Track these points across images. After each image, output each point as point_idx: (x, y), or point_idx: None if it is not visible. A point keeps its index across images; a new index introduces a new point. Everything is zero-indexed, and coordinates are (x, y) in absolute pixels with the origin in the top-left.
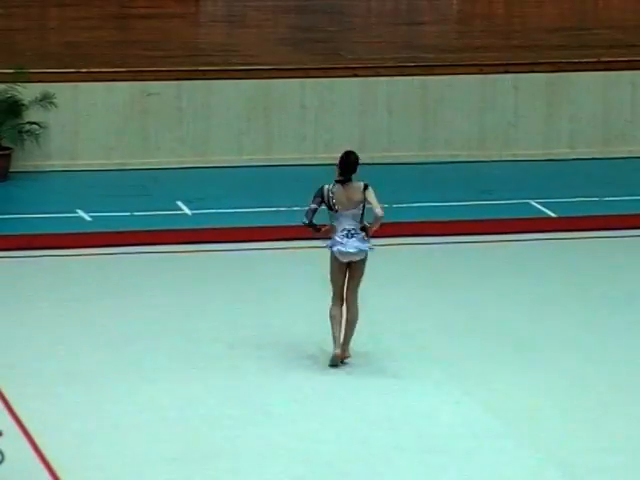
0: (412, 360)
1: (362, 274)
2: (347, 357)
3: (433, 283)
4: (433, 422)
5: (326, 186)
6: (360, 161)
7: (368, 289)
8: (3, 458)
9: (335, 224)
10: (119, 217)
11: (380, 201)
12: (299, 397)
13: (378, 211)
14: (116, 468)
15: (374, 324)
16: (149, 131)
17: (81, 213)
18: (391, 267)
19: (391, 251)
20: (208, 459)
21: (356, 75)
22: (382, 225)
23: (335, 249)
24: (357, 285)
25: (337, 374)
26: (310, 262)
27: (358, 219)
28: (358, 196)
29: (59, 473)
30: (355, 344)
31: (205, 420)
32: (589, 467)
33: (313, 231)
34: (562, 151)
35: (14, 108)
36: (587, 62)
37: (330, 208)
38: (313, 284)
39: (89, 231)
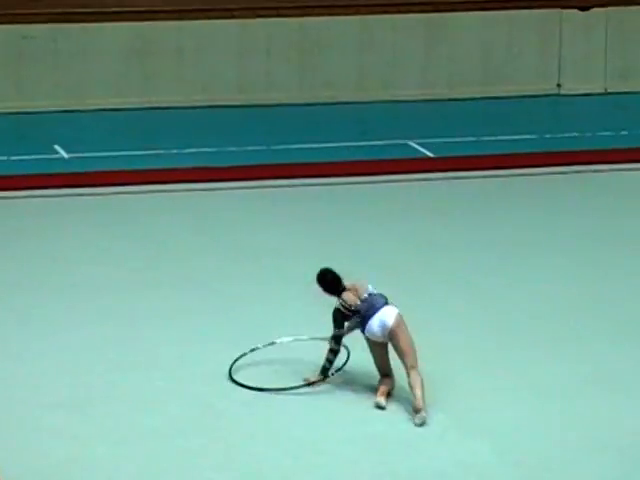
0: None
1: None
2: None
3: (314, 225)
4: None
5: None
6: (239, 103)
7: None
8: None
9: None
10: None
11: (259, 144)
12: (181, 340)
13: None
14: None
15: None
16: (24, 75)
17: None
18: (271, 208)
19: (268, 194)
20: (90, 405)
21: (234, 16)
22: None
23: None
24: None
25: (221, 314)
26: (191, 205)
27: None
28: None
29: None
30: None
31: (87, 365)
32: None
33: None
34: (440, 91)
35: None
36: (464, 2)
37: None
38: (184, 227)
39: None
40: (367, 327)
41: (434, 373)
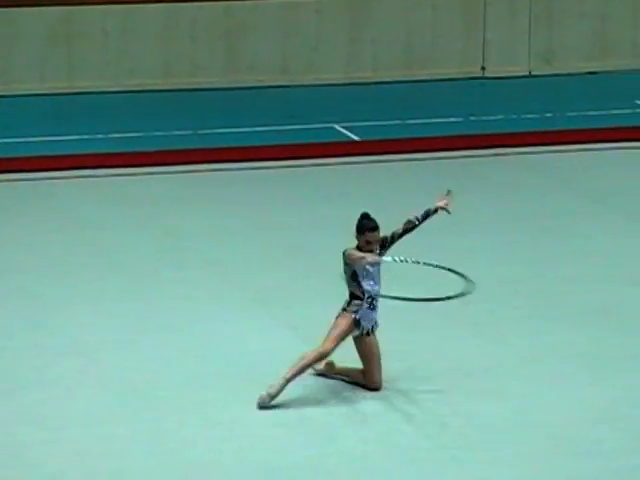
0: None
1: None
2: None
3: (240, 209)
4: (241, 349)
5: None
6: (164, 87)
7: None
8: None
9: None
10: None
11: (185, 128)
12: (112, 326)
13: None
14: None
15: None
16: None
17: None
18: (198, 192)
19: (195, 178)
20: (15, 390)
21: (159, 0)
22: None
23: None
24: None
25: (150, 302)
26: (117, 189)
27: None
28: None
29: None
30: None
31: (11, 350)
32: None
33: None
34: (365, 75)
35: None
36: None
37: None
38: (109, 212)
39: None
40: None
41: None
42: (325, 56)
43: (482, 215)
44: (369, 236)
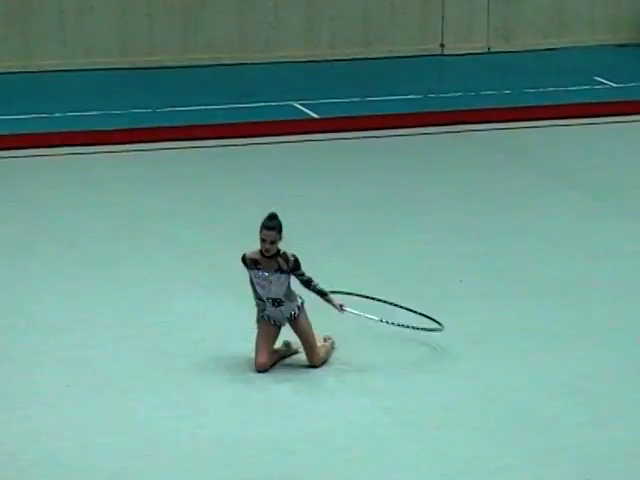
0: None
1: None
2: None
3: (199, 185)
4: (201, 326)
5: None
6: (121, 66)
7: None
8: None
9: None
10: None
11: (143, 106)
12: (70, 305)
13: None
14: None
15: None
16: None
17: None
18: (155, 171)
19: (157, 155)
20: None
21: None
22: None
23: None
24: None
25: (109, 280)
26: (73, 168)
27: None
28: None
29: None
30: None
31: None
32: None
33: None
34: (323, 52)
35: None
36: None
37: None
38: (67, 191)
39: None
40: None
41: (323, 333)
42: (283, 33)
43: (440, 192)
44: (263, 233)
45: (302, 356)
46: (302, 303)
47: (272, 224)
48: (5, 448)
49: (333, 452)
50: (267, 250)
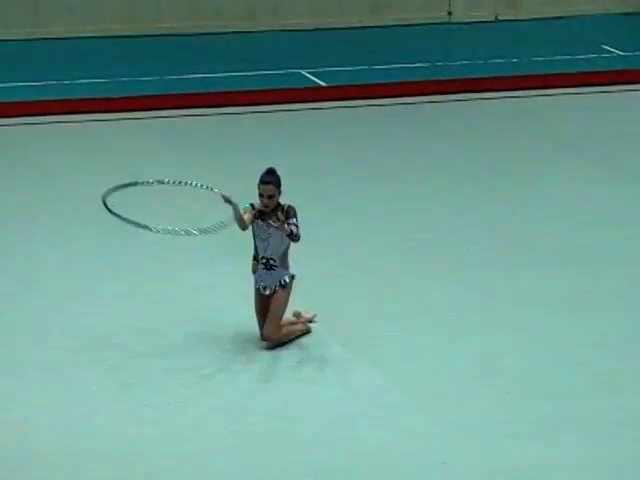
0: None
1: None
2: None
3: (211, 151)
4: (209, 294)
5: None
6: (129, 34)
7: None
8: None
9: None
10: None
11: (149, 75)
12: (78, 273)
13: None
14: None
15: None
16: None
17: None
18: (168, 139)
19: (165, 124)
20: None
21: None
22: None
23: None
24: None
25: (117, 249)
26: (87, 135)
27: None
28: None
29: None
30: None
31: None
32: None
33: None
34: (331, 20)
35: None
36: None
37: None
38: (76, 158)
39: None
40: None
41: (321, 299)
42: (291, 1)
43: (446, 160)
44: (261, 188)
45: (313, 326)
46: (292, 277)
47: (269, 178)
48: (12, 415)
49: (338, 419)
50: (266, 205)
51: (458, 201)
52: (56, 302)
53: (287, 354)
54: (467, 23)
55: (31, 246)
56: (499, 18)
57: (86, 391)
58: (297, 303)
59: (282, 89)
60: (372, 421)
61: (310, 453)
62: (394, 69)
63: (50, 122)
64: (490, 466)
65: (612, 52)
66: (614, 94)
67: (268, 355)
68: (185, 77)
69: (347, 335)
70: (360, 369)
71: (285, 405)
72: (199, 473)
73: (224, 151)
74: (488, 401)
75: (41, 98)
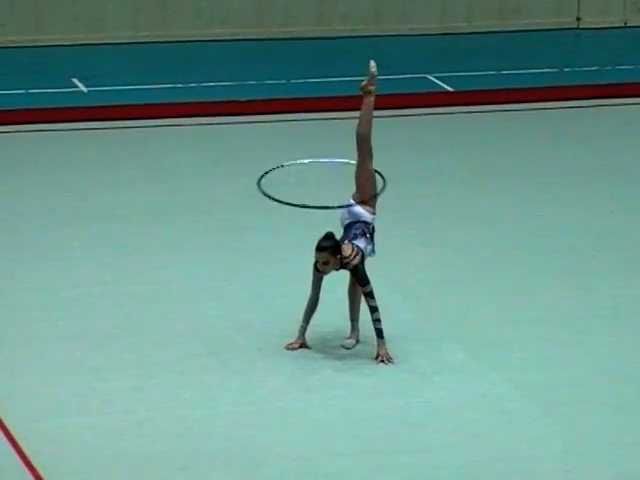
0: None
1: None
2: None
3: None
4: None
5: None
6: (257, 37)
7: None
8: None
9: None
10: (13, 95)
11: (274, 78)
12: (201, 274)
13: None
14: (18, 347)
15: None
16: (42, 7)
17: None
18: (285, 142)
19: (286, 128)
20: (107, 337)
21: None
22: None
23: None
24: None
25: (240, 250)
26: (210, 138)
27: None
28: None
29: None
30: None
31: (103, 298)
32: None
33: None
34: (459, 24)
35: None
36: None
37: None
38: (202, 161)
39: None
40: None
41: (448, 305)
42: (419, 6)
43: (576, 165)
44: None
45: (434, 332)
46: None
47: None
48: (136, 416)
49: (462, 426)
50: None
51: (583, 207)
52: (179, 303)
53: (412, 360)
54: (596, 29)
55: (155, 247)
56: (628, 24)
57: (209, 394)
58: (421, 308)
59: (409, 93)
60: (495, 427)
61: (432, 459)
62: (521, 74)
63: (177, 125)
64: (613, 474)
65: None
66: None
67: (393, 362)
68: (311, 81)
69: (471, 340)
70: (484, 375)
71: (408, 410)
72: (323, 476)
73: (345, 156)
74: (613, 408)
75: (169, 100)
